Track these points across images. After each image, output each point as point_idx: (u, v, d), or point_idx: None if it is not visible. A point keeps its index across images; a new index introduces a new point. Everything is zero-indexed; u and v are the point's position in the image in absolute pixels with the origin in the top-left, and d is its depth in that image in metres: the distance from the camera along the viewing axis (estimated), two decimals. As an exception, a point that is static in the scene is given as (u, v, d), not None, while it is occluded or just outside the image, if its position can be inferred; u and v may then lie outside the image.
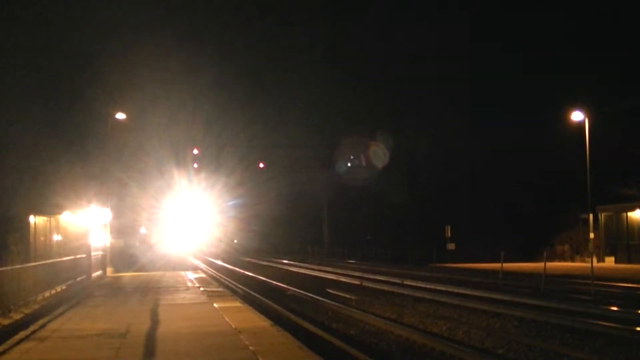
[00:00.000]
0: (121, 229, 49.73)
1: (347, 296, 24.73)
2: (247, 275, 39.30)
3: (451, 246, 47.03)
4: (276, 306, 21.89)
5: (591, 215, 37.72)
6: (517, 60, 58.09)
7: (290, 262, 53.32)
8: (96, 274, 35.12)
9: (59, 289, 24.87)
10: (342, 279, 34.17)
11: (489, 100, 57.81)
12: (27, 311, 19.50)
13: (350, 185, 64.44)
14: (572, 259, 46.17)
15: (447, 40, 63.02)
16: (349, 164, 69.02)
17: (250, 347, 12.23)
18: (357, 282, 31.41)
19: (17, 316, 18.44)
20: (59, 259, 26.08)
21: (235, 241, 71.33)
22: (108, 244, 38.82)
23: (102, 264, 37.39)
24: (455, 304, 21.24)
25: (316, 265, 48.25)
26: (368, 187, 62.79)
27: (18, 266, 21.44)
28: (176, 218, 58.96)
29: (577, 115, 34.06)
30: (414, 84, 63.34)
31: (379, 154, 62.01)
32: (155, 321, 16.36)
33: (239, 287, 29.83)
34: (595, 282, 25.27)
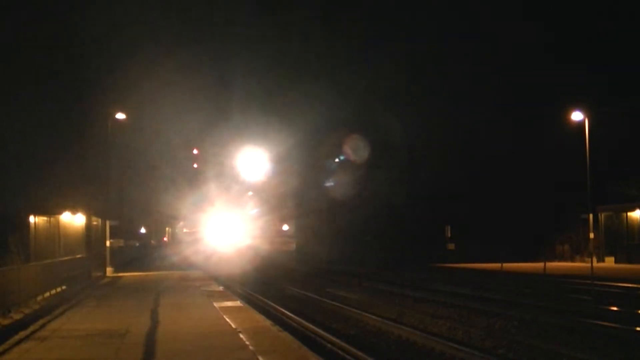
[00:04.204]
0: (123, 229, 49.66)
1: None
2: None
3: (451, 246, 47.01)
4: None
5: (591, 215, 37.71)
6: (516, 59, 57.98)
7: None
8: (96, 274, 35.11)
9: (59, 289, 24.85)
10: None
11: (488, 100, 57.67)
12: (27, 311, 19.48)
13: (345, 184, 64.06)
14: (572, 259, 46.15)
15: (446, 38, 62.97)
16: (336, 160, 68.71)
17: (251, 347, 12.24)
18: None
19: (17, 316, 18.43)
20: (59, 259, 26.06)
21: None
22: (108, 244, 38.83)
23: (102, 263, 37.39)
24: (457, 304, 21.26)
25: None
26: (367, 187, 62.71)
27: (18, 266, 21.43)
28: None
29: (577, 115, 34.06)
30: (413, 84, 63.27)
31: (359, 148, 61.54)
32: (155, 321, 16.36)
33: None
34: (596, 282, 25.29)
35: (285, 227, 36.31)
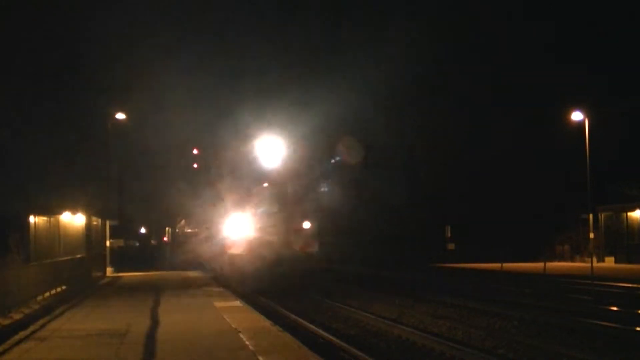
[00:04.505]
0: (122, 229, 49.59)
1: None
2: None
3: (451, 246, 47.02)
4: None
5: (591, 215, 37.71)
6: (516, 59, 57.97)
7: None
8: (96, 274, 35.12)
9: (59, 289, 24.85)
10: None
11: (488, 100, 57.70)
12: (27, 311, 19.48)
13: (345, 183, 63.74)
14: (572, 259, 46.15)
15: (445, 38, 62.97)
16: (332, 161, 68.35)
17: (251, 347, 12.23)
18: None
19: (17, 316, 18.43)
20: (59, 259, 26.06)
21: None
22: (108, 244, 38.84)
23: (102, 264, 37.40)
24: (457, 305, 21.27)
25: None
26: (367, 188, 62.67)
27: (18, 266, 21.41)
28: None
29: (577, 115, 34.04)
30: (413, 83, 63.24)
31: (354, 148, 61.28)
32: (155, 321, 16.36)
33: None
34: (596, 282, 25.29)
35: (307, 225, 30.94)
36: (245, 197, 29.61)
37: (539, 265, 37.44)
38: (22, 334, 14.65)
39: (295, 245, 27.62)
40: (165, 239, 65.51)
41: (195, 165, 61.04)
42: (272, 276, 26.93)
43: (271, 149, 29.59)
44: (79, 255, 30.62)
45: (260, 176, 30.02)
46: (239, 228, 28.83)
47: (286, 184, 29.76)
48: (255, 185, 29.81)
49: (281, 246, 27.40)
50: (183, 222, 64.13)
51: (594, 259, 32.61)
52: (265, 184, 29.64)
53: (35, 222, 23.27)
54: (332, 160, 68.29)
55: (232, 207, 29.71)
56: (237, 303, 20.63)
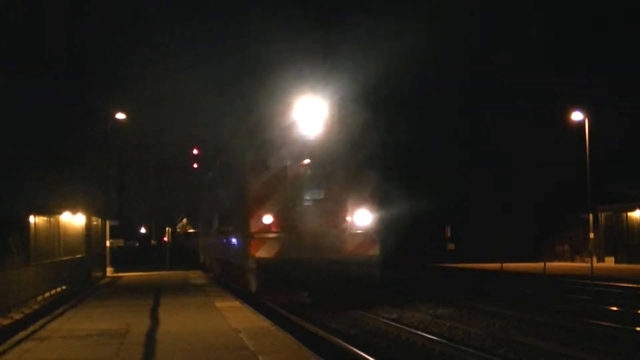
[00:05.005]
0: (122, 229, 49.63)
1: None
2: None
3: (451, 246, 46.99)
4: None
5: (591, 215, 37.71)
6: (516, 59, 57.95)
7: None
8: (96, 274, 35.12)
9: (59, 289, 24.85)
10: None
11: (489, 100, 57.65)
12: (27, 311, 19.49)
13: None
14: (572, 259, 46.15)
15: (445, 38, 62.94)
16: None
17: (251, 347, 12.23)
18: None
19: (17, 316, 18.43)
20: (59, 259, 26.07)
21: None
22: (108, 244, 38.83)
23: (102, 263, 37.39)
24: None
25: None
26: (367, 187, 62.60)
27: (18, 266, 21.43)
28: None
29: (577, 115, 34.05)
30: (413, 83, 63.21)
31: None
32: (155, 321, 16.36)
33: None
34: (596, 282, 25.29)
35: (365, 218, 21.06)
36: (277, 179, 20.80)
37: (539, 265, 37.43)
38: (22, 334, 14.64)
39: (348, 245, 21.23)
40: (165, 239, 65.53)
41: (195, 165, 61.00)
42: (309, 286, 21.58)
43: (314, 114, 21.44)
44: (79, 255, 30.62)
45: (299, 150, 21.07)
46: (267, 223, 20.64)
47: (336, 162, 21.46)
48: (293, 163, 20.94)
49: (327, 247, 20.77)
50: (185, 220, 63.97)
51: (594, 259, 32.61)
52: (307, 161, 21.15)
53: (35, 222, 23.27)
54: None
55: (259, 194, 20.81)
56: (237, 303, 20.61)
